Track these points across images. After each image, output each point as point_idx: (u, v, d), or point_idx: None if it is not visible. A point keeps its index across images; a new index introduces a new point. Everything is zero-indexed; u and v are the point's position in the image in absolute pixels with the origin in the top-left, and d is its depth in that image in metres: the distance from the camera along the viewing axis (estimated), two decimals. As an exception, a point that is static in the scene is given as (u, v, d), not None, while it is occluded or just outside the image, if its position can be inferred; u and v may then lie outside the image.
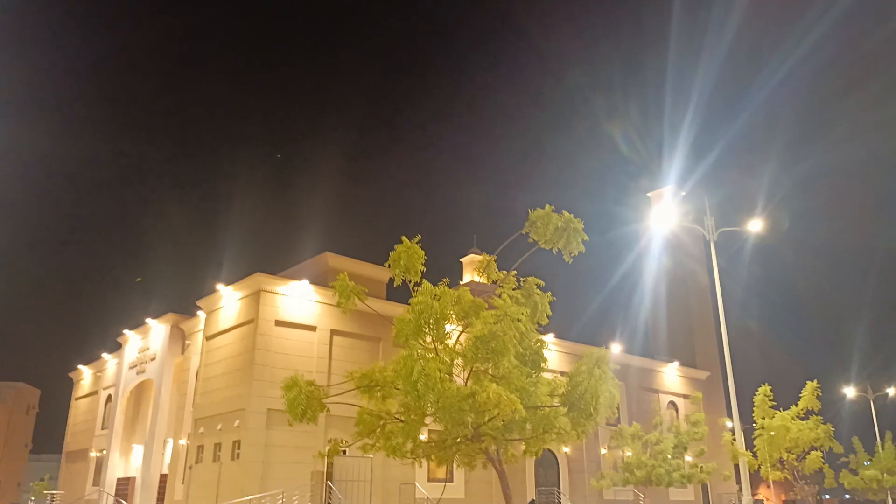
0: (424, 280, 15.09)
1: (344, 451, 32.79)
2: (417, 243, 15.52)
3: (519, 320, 13.93)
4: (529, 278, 16.09)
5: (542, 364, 15.52)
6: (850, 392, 55.28)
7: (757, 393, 31.43)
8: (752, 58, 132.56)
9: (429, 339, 14.42)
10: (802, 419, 30.69)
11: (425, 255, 15.83)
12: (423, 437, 16.84)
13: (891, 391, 55.70)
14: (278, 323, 37.36)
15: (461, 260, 72.78)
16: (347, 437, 17.06)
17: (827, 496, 78.61)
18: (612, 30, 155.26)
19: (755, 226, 30.10)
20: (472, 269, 65.98)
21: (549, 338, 48.55)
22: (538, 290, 16.05)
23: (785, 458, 31.58)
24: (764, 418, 30.82)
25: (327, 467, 34.26)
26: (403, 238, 15.46)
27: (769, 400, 31.10)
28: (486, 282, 17.11)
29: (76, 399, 61.61)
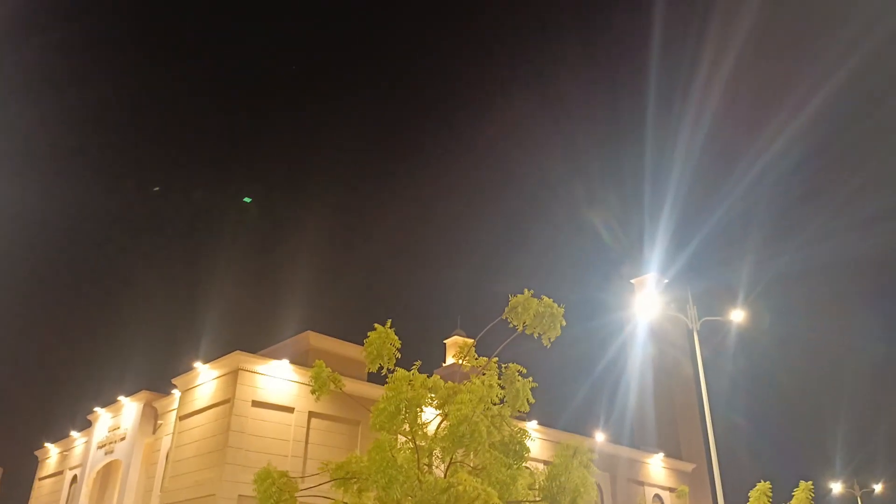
0: (398, 367, 15.00)
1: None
2: (390, 328, 15.53)
3: (495, 404, 13.74)
4: (511, 364, 16.01)
5: (525, 454, 15.18)
6: (836, 488, 54.39)
7: (755, 488, 30.76)
8: (727, 153, 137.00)
9: (406, 427, 14.12)
10: None
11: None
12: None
13: (877, 487, 54.84)
14: (255, 403, 36.44)
15: (445, 342, 72.32)
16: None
17: None
18: (590, 118, 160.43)
19: (737, 316, 30.44)
20: (455, 352, 65.34)
21: (533, 424, 47.65)
22: (519, 377, 15.92)
23: (775, 559, 30.59)
24: None
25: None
26: (376, 325, 15.46)
27: (767, 499, 30.39)
28: (466, 367, 16.96)
29: (40, 479, 59.06)
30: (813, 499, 30.36)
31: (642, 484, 59.20)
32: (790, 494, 30.69)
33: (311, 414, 38.15)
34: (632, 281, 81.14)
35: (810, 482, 30.45)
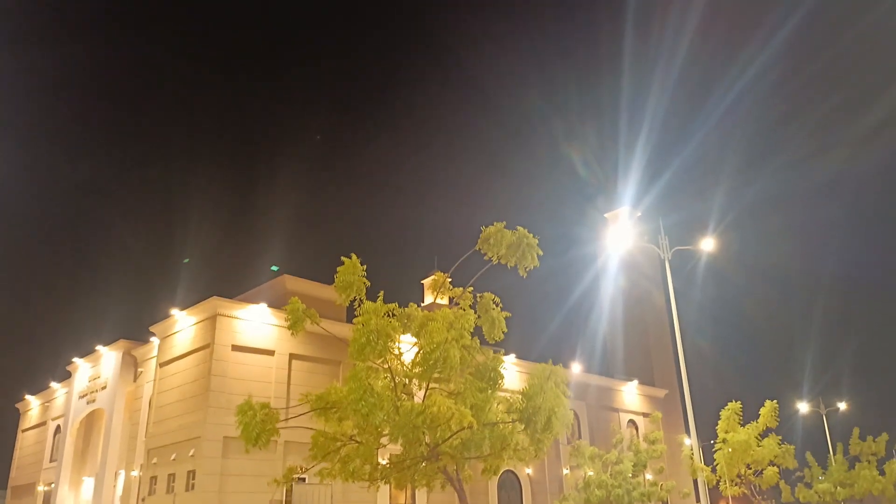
0: (367, 301, 15.22)
1: (303, 479, 32.13)
2: (358, 259, 15.73)
3: (469, 332, 14.00)
4: (486, 294, 16.24)
5: (499, 380, 15.54)
6: (803, 408, 56.57)
7: (726, 408, 31.93)
8: (702, 82, 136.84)
9: (379, 356, 14.39)
10: (762, 436, 31.35)
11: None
12: (384, 461, 16.69)
13: (842, 406, 57.15)
14: (235, 348, 36.66)
15: (422, 282, 72.82)
16: (306, 464, 16.81)
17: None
18: (568, 53, 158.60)
19: (707, 245, 30.77)
20: (433, 291, 65.90)
21: (510, 358, 48.64)
22: (494, 306, 16.17)
23: (743, 473, 32.06)
24: (727, 432, 31.27)
25: (286, 496, 33.49)
26: (343, 258, 15.64)
27: (737, 417, 31.61)
28: (444, 301, 17.17)
29: (23, 431, 59.27)
30: (779, 417, 31.75)
31: (617, 411, 61.12)
32: (758, 414, 31.99)
33: (292, 356, 38.51)
34: (605, 215, 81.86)
35: (775, 401, 31.76)
